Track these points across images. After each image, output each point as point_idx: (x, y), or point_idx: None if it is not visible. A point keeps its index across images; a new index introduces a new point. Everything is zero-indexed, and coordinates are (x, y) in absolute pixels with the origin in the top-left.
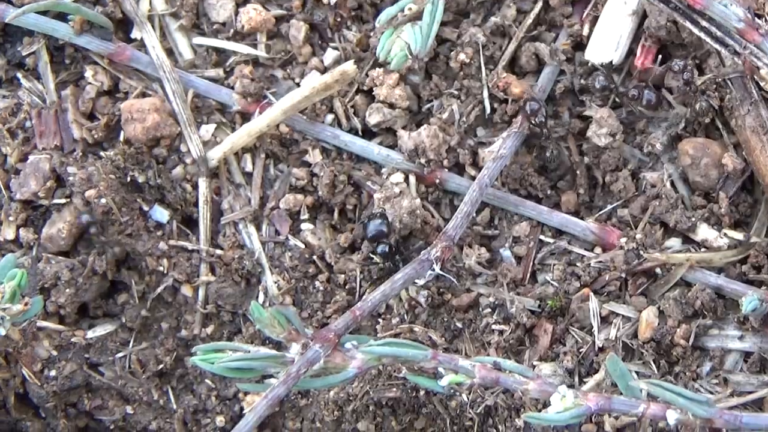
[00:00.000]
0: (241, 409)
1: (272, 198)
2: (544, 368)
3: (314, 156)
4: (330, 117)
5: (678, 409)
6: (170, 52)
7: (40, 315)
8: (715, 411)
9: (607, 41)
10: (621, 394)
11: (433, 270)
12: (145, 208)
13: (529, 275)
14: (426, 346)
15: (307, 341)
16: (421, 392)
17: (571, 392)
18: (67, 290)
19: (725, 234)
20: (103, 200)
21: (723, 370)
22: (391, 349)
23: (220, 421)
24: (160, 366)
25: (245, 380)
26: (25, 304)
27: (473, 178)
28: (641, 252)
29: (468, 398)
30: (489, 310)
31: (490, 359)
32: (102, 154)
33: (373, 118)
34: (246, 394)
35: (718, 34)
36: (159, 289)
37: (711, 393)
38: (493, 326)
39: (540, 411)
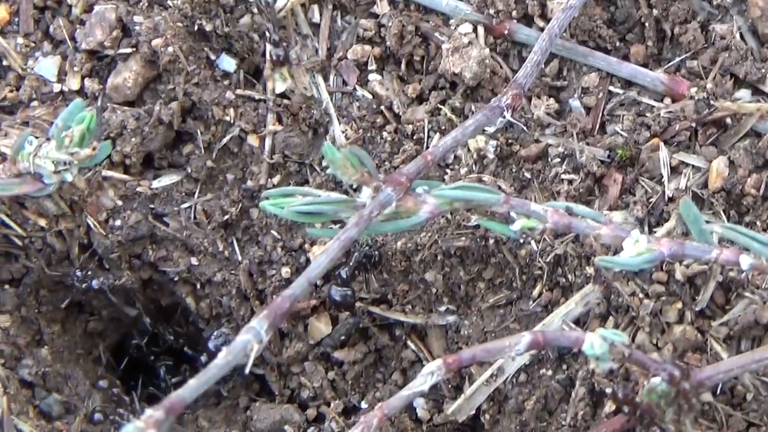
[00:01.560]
0: (307, 260)
1: (340, 49)
2: (614, 216)
3: (382, 7)
4: None
5: (752, 254)
6: None
7: (105, 164)
8: None
9: None
10: (693, 241)
11: (504, 117)
12: (212, 57)
13: (598, 125)
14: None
15: (379, 184)
16: (491, 241)
17: (644, 237)
18: (133, 139)
19: None
20: (170, 49)
21: None
22: (464, 193)
23: (285, 272)
24: (226, 217)
25: (314, 226)
26: (93, 149)
27: (542, 30)
28: (711, 102)
29: (538, 247)
30: (558, 159)
31: (562, 204)
32: (169, 2)
33: None
34: (312, 244)
35: None
36: (225, 140)
37: None
38: (563, 176)
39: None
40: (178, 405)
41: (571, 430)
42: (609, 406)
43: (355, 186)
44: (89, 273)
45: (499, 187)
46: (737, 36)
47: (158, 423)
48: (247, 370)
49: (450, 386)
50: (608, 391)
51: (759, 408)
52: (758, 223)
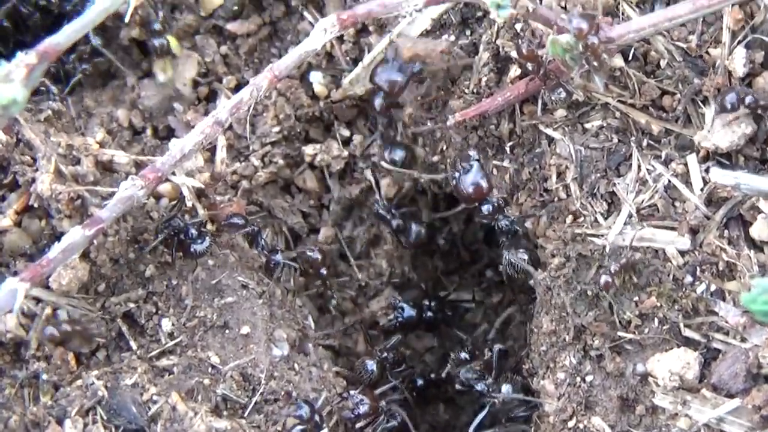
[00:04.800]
0: None
1: None
2: None
3: None
4: None
5: None
6: None
7: None
8: None
9: None
10: None
11: None
12: None
13: None
14: None
15: None
16: None
17: None
18: None
19: None
20: None
21: None
22: None
23: None
24: None
25: None
26: None
27: None
28: None
29: None
30: None
31: None
32: None
33: None
34: None
35: None
36: None
37: None
38: None
39: None
40: (51, 50)
41: (475, 97)
42: (514, 71)
43: None
44: None
45: None
46: None
47: (30, 67)
48: (127, 18)
49: (348, 58)
50: (513, 54)
51: (673, 74)
52: None
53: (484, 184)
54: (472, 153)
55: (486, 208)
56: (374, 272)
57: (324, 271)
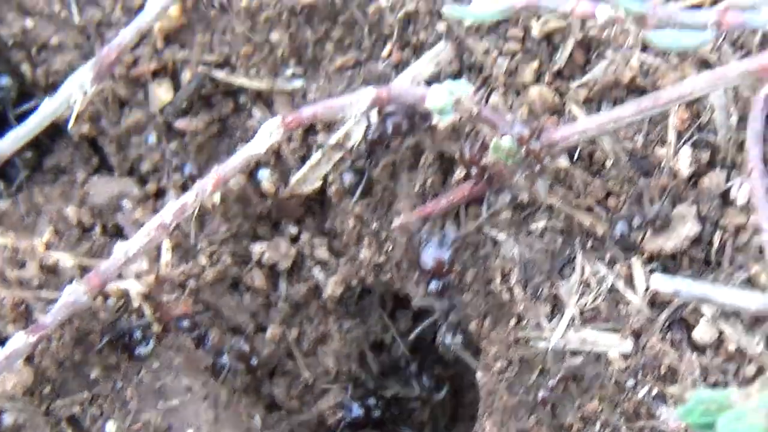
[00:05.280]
0: None
1: None
2: None
3: None
4: None
5: (609, 5)
6: None
7: None
8: (648, 7)
9: None
10: None
11: None
12: None
13: None
14: None
15: None
16: None
17: None
18: None
19: None
20: None
21: None
22: None
23: None
24: None
25: None
26: None
27: None
28: None
29: (388, 3)
30: None
31: None
32: None
33: None
34: None
35: None
36: None
37: None
38: None
39: None
40: None
41: (420, 198)
42: (459, 173)
43: None
44: None
45: None
46: None
47: None
48: (70, 124)
49: (296, 156)
50: (457, 155)
51: (619, 175)
52: None
53: (445, 258)
54: (448, 229)
55: (434, 286)
56: (322, 370)
57: (255, 362)
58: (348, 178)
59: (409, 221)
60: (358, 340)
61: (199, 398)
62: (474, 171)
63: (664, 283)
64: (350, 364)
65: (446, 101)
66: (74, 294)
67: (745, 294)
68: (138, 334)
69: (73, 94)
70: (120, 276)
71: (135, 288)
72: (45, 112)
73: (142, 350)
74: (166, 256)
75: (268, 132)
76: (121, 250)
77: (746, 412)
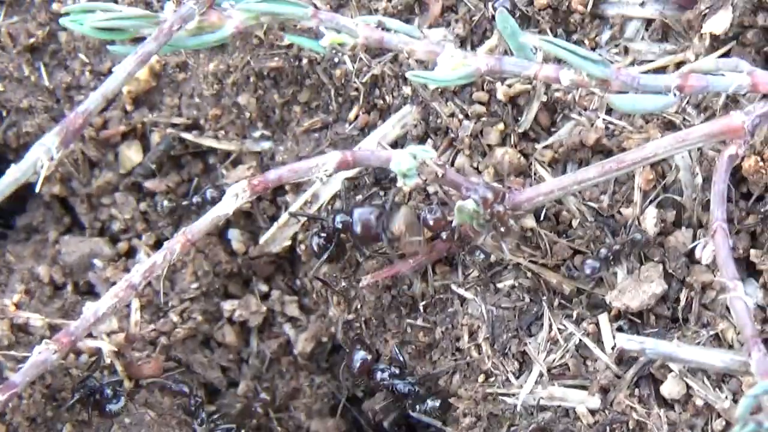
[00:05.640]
0: None
1: None
2: (433, 33)
3: None
4: None
5: (572, 69)
6: None
7: None
8: (611, 71)
9: None
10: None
11: None
12: None
13: None
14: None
15: None
16: (304, 61)
17: (459, 52)
18: None
19: None
20: None
21: (623, 38)
22: (270, 6)
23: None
24: (32, 40)
25: (118, 43)
26: None
27: None
28: None
29: (354, 67)
30: None
31: (374, 18)
32: None
33: None
34: None
35: None
36: None
37: (611, 62)
38: None
39: None
40: None
41: (388, 258)
42: (426, 233)
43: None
44: None
45: (314, 5)
46: None
47: None
48: (37, 188)
49: (265, 216)
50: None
51: (585, 234)
52: (586, 41)
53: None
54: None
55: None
56: (293, 425)
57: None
58: (315, 241)
59: (378, 280)
60: (329, 396)
61: None
62: (443, 234)
63: (629, 342)
64: (322, 420)
65: (410, 165)
66: (44, 353)
67: (710, 352)
68: (109, 391)
69: (40, 159)
70: (90, 335)
71: (106, 347)
72: (12, 177)
73: (113, 407)
74: (136, 315)
75: (235, 194)
76: (90, 310)
77: None
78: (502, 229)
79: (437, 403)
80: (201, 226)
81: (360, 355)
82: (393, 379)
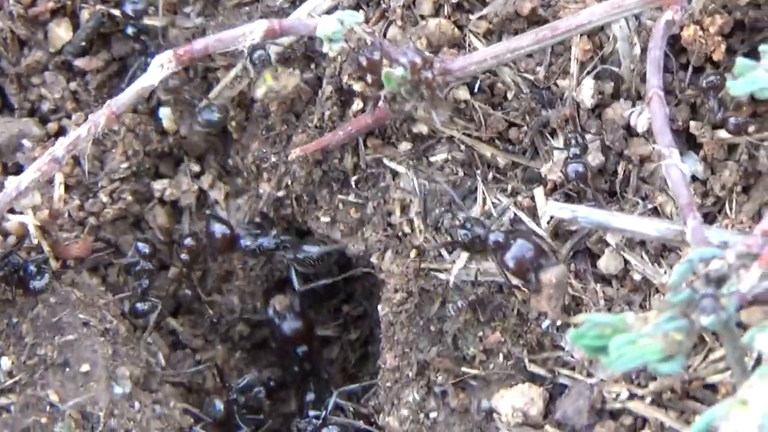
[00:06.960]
0: None
1: None
2: None
3: None
4: None
5: None
6: None
7: None
8: None
9: None
10: None
11: None
12: None
13: None
14: None
15: None
16: None
17: None
18: None
19: None
20: None
21: None
22: None
23: None
24: None
25: None
26: None
27: None
28: None
29: None
30: None
31: None
32: None
33: None
34: None
35: None
36: None
37: None
38: None
39: None
40: None
41: (318, 131)
42: (356, 105)
43: None
44: None
45: None
46: None
47: None
48: None
49: (197, 95)
50: (356, 88)
51: (520, 106)
52: None
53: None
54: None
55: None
56: (226, 308)
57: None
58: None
59: (306, 153)
60: (262, 278)
61: (96, 333)
62: (370, 102)
63: (560, 210)
64: (255, 302)
65: (336, 29)
66: None
67: (645, 221)
68: (33, 268)
69: None
70: (13, 211)
71: (30, 221)
72: None
73: (37, 284)
74: (60, 190)
75: (160, 64)
76: (12, 184)
77: (640, 336)
78: (430, 97)
79: (314, 249)
80: (126, 99)
81: (219, 229)
82: (257, 239)
